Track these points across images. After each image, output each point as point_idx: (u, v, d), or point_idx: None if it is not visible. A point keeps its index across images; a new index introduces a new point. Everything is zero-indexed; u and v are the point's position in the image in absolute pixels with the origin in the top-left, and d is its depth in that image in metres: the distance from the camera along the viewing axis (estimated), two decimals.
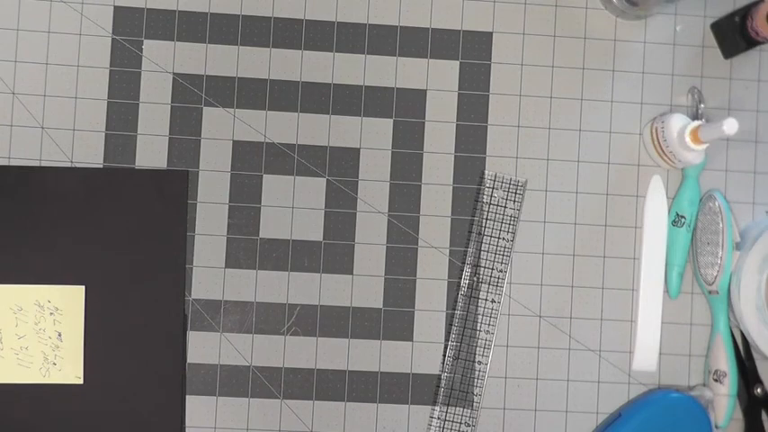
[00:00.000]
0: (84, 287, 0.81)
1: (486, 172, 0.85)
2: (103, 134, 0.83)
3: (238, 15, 0.84)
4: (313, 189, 0.84)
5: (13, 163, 0.82)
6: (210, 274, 0.83)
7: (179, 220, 0.82)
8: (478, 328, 0.83)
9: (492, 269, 0.84)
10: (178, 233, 0.82)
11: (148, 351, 0.81)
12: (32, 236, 0.81)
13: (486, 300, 0.84)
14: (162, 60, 0.84)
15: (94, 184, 0.82)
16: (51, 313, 0.80)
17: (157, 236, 0.82)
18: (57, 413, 0.80)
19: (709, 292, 0.84)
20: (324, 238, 0.83)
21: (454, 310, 0.84)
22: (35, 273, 0.80)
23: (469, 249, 0.84)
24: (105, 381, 0.80)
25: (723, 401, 0.83)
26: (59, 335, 0.80)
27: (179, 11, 0.84)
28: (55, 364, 0.80)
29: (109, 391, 0.80)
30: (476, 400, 0.83)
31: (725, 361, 0.83)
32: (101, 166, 0.83)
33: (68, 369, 0.80)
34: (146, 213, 0.82)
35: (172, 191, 0.82)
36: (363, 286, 0.83)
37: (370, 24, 0.85)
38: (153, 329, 0.81)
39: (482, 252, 0.84)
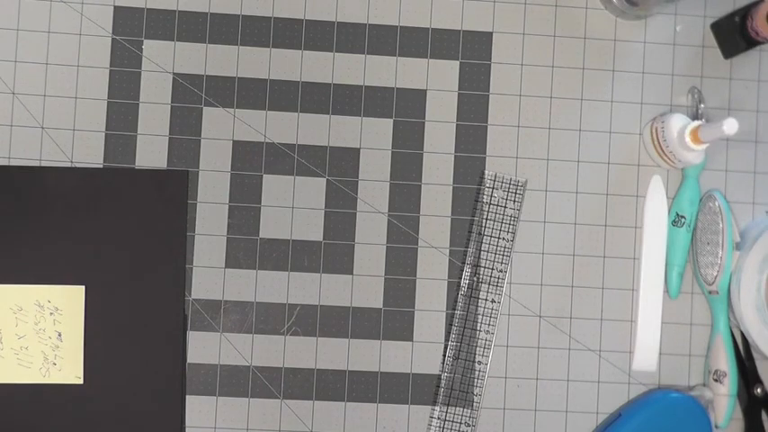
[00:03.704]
0: (84, 287, 0.81)
1: (486, 172, 0.85)
2: (103, 134, 0.83)
3: (238, 15, 0.84)
4: (313, 189, 0.84)
5: (13, 163, 0.82)
6: (210, 274, 0.83)
7: (179, 220, 0.82)
8: (478, 328, 0.83)
9: (492, 269, 0.84)
10: (178, 233, 0.82)
11: (148, 351, 0.81)
12: (33, 236, 0.81)
13: (486, 300, 0.84)
14: (162, 60, 0.84)
15: (95, 184, 0.82)
16: (51, 313, 0.80)
17: (157, 236, 0.82)
18: (57, 413, 0.80)
19: (710, 292, 0.84)
20: (324, 238, 0.83)
21: (454, 310, 0.84)
22: (35, 273, 0.80)
23: (469, 249, 0.84)
24: (105, 381, 0.80)
25: (723, 401, 0.83)
26: (59, 335, 0.80)
27: (179, 11, 0.84)
28: (55, 364, 0.80)
29: (109, 391, 0.80)
30: (476, 400, 0.83)
31: (725, 361, 0.83)
32: (101, 166, 0.83)
33: (68, 369, 0.80)
34: (146, 213, 0.82)
35: (172, 191, 0.82)
36: (363, 286, 0.83)
37: (370, 24, 0.85)
38: (153, 329, 0.81)
39: (482, 252, 0.84)
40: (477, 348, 0.83)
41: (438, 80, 0.85)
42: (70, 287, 0.81)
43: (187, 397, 0.82)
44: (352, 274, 0.83)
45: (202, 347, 0.82)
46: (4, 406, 0.80)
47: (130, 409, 0.80)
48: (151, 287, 0.81)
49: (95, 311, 0.80)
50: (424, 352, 0.83)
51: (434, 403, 0.83)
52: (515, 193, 0.85)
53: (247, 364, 0.82)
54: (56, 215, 0.81)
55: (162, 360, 0.81)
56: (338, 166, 0.84)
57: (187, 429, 0.82)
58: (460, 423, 0.83)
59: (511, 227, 0.84)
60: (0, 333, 0.80)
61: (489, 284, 0.84)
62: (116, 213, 0.81)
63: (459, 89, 0.85)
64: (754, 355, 0.84)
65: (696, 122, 0.81)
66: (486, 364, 0.83)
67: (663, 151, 0.83)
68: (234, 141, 0.84)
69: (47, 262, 0.81)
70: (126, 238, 0.81)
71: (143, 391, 0.81)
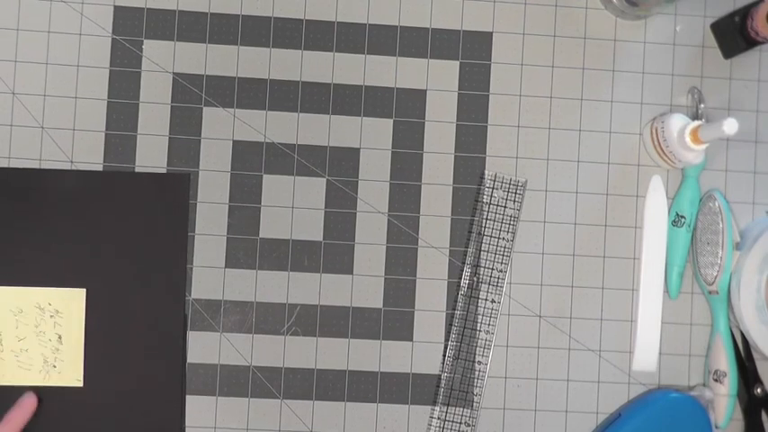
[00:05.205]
0: (85, 290, 0.81)
1: (486, 172, 0.85)
2: (103, 134, 0.83)
3: (238, 15, 0.84)
4: (313, 189, 0.84)
5: (13, 163, 0.82)
6: (210, 274, 0.83)
7: (181, 223, 0.82)
8: (478, 328, 0.83)
9: (492, 269, 0.84)
10: (180, 236, 0.82)
11: (148, 351, 0.81)
12: (34, 238, 0.81)
13: (486, 300, 0.84)
14: (162, 60, 0.84)
15: (97, 186, 0.82)
16: (52, 316, 0.80)
17: (159, 239, 0.82)
18: (56, 416, 0.80)
19: (709, 292, 0.84)
20: (324, 238, 0.83)
21: (454, 310, 0.84)
22: (36, 275, 0.80)
23: (469, 249, 0.84)
24: (105, 384, 0.80)
25: (723, 401, 0.83)
26: (60, 337, 0.80)
27: (179, 11, 0.84)
28: (55, 367, 0.80)
29: (109, 393, 0.80)
30: (476, 400, 0.83)
31: (725, 361, 0.83)
32: (101, 166, 0.83)
33: (68, 372, 0.80)
34: (147, 216, 0.82)
35: (174, 194, 0.82)
36: (363, 286, 0.83)
37: (370, 24, 0.85)
38: (153, 330, 0.81)
39: (482, 252, 0.84)
40: (477, 348, 0.83)
41: (438, 80, 0.85)
42: (71, 290, 0.81)
43: (187, 397, 0.82)
44: (352, 274, 0.83)
45: (202, 347, 0.82)
46: (4, 408, 0.80)
47: (130, 411, 0.80)
48: (152, 290, 0.81)
49: (96, 314, 0.80)
50: (424, 352, 0.84)
51: (434, 403, 0.83)
52: (515, 193, 0.85)
53: (247, 364, 0.82)
54: (57, 217, 0.81)
55: (162, 360, 0.81)
56: (338, 166, 0.84)
57: (187, 429, 0.82)
58: (460, 423, 0.83)
59: (511, 227, 0.84)
60: (0, 335, 0.80)
61: (489, 284, 0.84)
62: (118, 216, 0.81)
63: (459, 89, 0.85)
64: (754, 355, 0.84)
65: (696, 122, 0.81)
66: (486, 364, 0.83)
67: (663, 151, 0.83)
68: (234, 141, 0.84)
69: (48, 264, 0.81)
70: (127, 241, 0.81)
71: (143, 391, 0.81)
